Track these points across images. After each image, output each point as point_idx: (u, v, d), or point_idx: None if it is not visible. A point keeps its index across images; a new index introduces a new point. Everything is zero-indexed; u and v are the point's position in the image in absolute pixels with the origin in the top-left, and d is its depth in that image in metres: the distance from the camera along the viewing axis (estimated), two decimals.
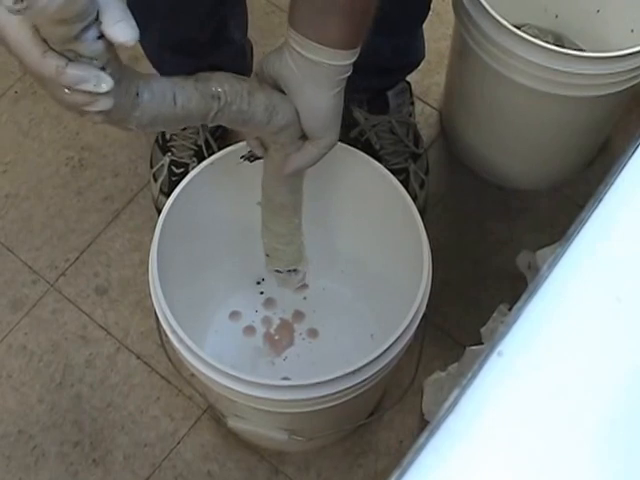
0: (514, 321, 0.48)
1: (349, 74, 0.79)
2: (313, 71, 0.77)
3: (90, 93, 0.59)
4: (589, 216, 0.51)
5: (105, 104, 0.61)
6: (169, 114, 0.70)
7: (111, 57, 0.60)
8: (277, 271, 1.00)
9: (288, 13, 0.76)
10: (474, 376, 0.46)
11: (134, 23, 0.58)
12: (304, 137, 0.83)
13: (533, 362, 0.49)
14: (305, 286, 1.21)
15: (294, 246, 0.97)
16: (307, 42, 0.75)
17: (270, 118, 0.78)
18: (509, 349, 0.48)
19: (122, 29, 0.57)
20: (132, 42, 0.57)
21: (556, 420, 0.48)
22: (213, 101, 0.72)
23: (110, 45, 0.58)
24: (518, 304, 0.49)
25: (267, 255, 0.99)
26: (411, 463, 0.42)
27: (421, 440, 0.43)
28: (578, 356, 0.49)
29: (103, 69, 0.60)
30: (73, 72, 0.58)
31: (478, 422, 0.46)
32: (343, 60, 0.76)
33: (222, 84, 0.73)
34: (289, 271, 0.99)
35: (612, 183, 0.53)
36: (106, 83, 0.59)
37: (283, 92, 0.80)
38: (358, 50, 0.77)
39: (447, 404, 0.45)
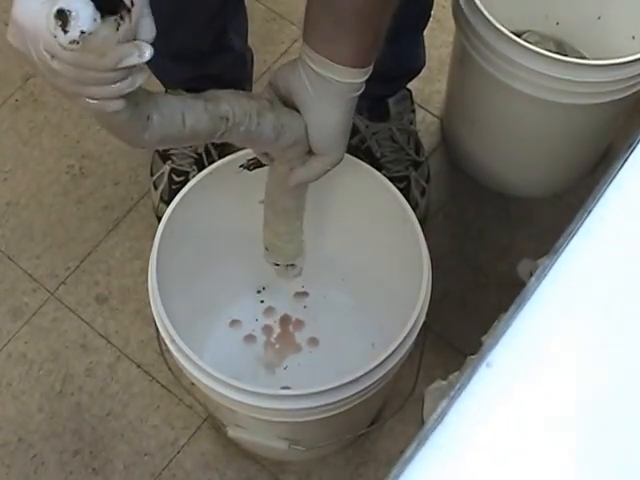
0: (503, 332, 0.48)
1: (360, 92, 0.79)
2: (324, 87, 0.77)
3: (129, 70, 0.58)
4: (577, 228, 0.51)
5: (142, 78, 0.60)
6: (177, 135, 0.70)
7: None
8: (275, 264, 1.00)
9: (303, 27, 0.77)
10: (463, 387, 0.46)
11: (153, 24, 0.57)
12: (310, 152, 0.83)
13: (522, 373, 0.48)
14: (305, 294, 1.21)
15: (294, 244, 0.98)
16: (319, 58, 0.75)
17: (278, 137, 0.78)
18: (498, 360, 0.48)
19: (144, 27, 0.57)
20: (151, 40, 0.57)
21: (545, 430, 0.47)
22: (221, 122, 0.73)
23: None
24: (506, 315, 0.49)
25: (266, 249, 0.99)
26: (399, 475, 0.42)
27: (409, 451, 0.43)
28: (567, 367, 0.49)
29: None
30: (114, 53, 0.56)
31: (466, 433, 0.46)
32: (353, 78, 0.76)
33: (232, 105, 0.74)
34: (287, 265, 1.00)
35: (600, 196, 0.53)
36: (148, 50, 0.57)
37: (294, 105, 0.80)
38: (370, 69, 0.78)
39: (435, 415, 0.45)
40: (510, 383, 0.48)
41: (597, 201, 0.52)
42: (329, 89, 0.77)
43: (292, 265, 1.00)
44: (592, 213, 0.52)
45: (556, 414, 0.47)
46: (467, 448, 0.46)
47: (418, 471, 0.43)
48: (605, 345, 0.50)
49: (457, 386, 0.45)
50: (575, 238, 0.51)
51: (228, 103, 0.73)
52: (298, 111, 0.80)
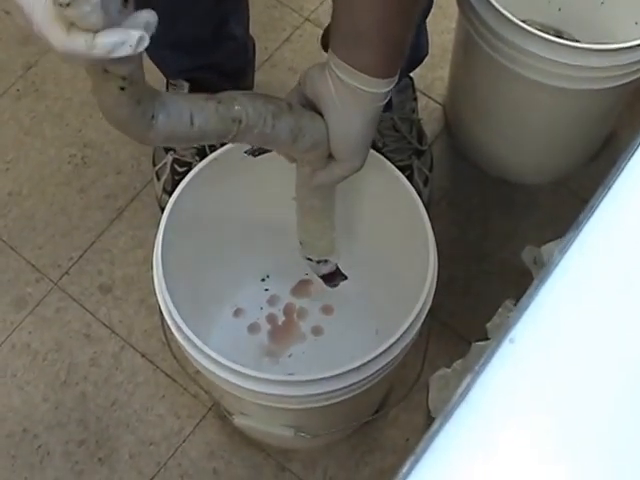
0: (525, 308, 0.48)
1: (385, 102, 0.78)
2: (348, 95, 0.77)
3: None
4: (599, 203, 0.51)
5: (143, 45, 0.55)
6: (184, 135, 0.70)
7: (135, 74, 0.60)
8: (308, 259, 1.00)
9: (330, 33, 0.77)
10: (486, 363, 0.46)
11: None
12: (331, 156, 0.83)
13: (545, 349, 0.48)
14: (309, 282, 1.20)
15: (324, 241, 0.98)
16: (343, 65, 0.75)
17: (295, 140, 0.78)
18: (521, 336, 0.48)
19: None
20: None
21: (567, 406, 0.48)
22: (233, 124, 0.72)
23: (138, 61, 0.57)
24: (529, 291, 0.49)
25: (300, 243, 0.99)
26: (425, 450, 0.42)
27: (434, 427, 0.43)
28: (590, 342, 0.49)
29: (123, 89, 0.59)
30: (104, 41, 0.53)
31: (490, 409, 0.46)
32: (377, 88, 0.76)
33: (246, 107, 0.73)
34: (318, 261, 1.00)
35: (621, 170, 0.53)
36: (143, 39, 0.54)
37: (318, 108, 0.80)
38: (395, 79, 0.77)
39: (459, 391, 0.45)
40: (533, 359, 0.48)
41: (618, 175, 0.52)
42: (353, 97, 0.76)
43: (325, 261, 1.00)
44: (613, 188, 0.51)
45: (581, 389, 0.48)
46: (491, 423, 0.46)
47: (443, 446, 0.43)
48: (630, 319, 0.50)
49: (481, 361, 0.45)
50: (597, 212, 0.51)
51: (241, 105, 0.72)
52: (321, 114, 0.79)
